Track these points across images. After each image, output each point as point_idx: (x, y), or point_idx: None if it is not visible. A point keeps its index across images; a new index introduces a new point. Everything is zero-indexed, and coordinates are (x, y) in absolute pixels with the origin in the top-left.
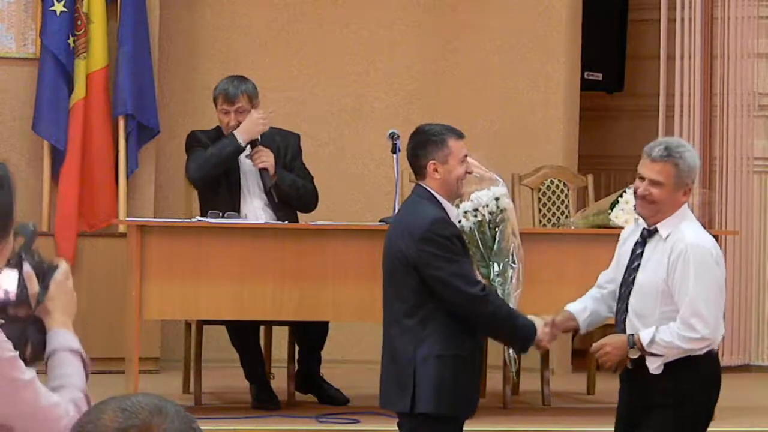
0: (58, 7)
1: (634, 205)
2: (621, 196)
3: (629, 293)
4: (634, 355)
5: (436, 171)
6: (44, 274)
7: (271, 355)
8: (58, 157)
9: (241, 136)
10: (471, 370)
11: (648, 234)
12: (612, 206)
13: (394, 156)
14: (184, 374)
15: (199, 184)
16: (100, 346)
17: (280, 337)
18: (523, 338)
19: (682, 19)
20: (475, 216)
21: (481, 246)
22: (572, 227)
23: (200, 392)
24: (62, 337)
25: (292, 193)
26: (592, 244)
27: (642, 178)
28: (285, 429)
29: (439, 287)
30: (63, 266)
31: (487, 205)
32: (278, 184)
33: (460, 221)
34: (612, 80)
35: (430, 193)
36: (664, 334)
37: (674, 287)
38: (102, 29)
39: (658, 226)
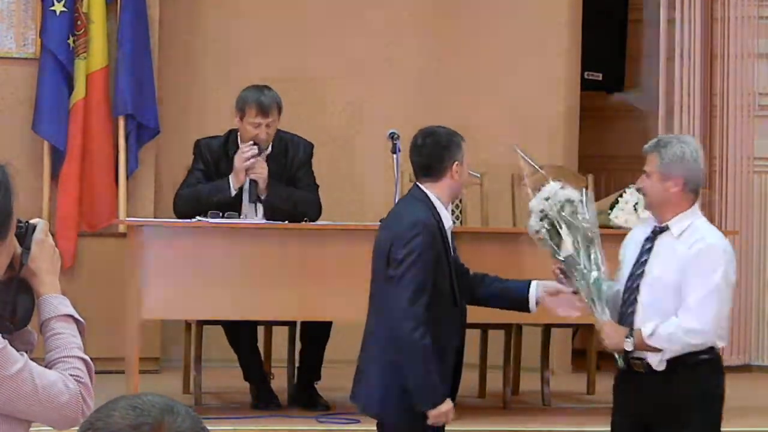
0: (58, 7)
1: (634, 205)
2: (621, 196)
3: (637, 286)
4: (629, 347)
5: (457, 172)
6: (24, 234)
7: (271, 355)
8: (58, 157)
9: (236, 183)
10: None
11: (659, 230)
12: (612, 206)
13: (394, 156)
14: (184, 374)
15: (178, 216)
16: (100, 346)
17: (280, 337)
18: (427, 395)
19: (682, 19)
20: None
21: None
22: None
23: (200, 392)
24: (53, 305)
25: (287, 207)
26: None
27: None
28: (285, 429)
29: (391, 285)
30: (41, 224)
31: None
32: (269, 200)
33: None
34: (612, 80)
35: (427, 195)
36: (667, 326)
37: (686, 282)
38: (102, 29)
39: (670, 223)
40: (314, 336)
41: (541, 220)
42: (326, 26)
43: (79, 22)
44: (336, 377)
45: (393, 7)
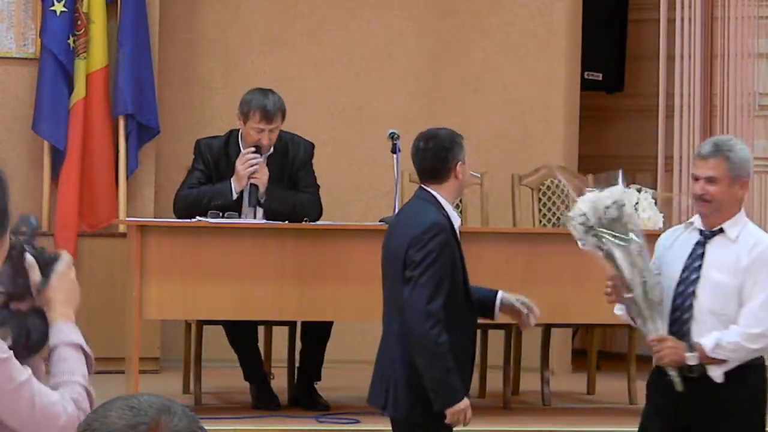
0: (58, 7)
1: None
2: None
3: (693, 291)
4: (693, 361)
5: (461, 172)
6: (46, 264)
7: (271, 355)
8: (58, 157)
9: (238, 186)
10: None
11: (711, 234)
12: None
13: (394, 156)
14: (184, 374)
15: (177, 216)
16: (100, 346)
17: (280, 337)
18: (445, 393)
19: (682, 19)
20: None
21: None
22: None
23: (200, 392)
24: (63, 332)
25: (286, 210)
26: None
27: (696, 179)
28: (285, 429)
29: (407, 287)
30: (66, 257)
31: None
32: (268, 204)
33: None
34: (612, 80)
35: (435, 197)
36: (729, 336)
37: (747, 286)
38: (102, 29)
39: (724, 226)
40: (314, 336)
41: (581, 224)
42: (326, 26)
43: (79, 22)
44: (336, 377)
45: (393, 8)
